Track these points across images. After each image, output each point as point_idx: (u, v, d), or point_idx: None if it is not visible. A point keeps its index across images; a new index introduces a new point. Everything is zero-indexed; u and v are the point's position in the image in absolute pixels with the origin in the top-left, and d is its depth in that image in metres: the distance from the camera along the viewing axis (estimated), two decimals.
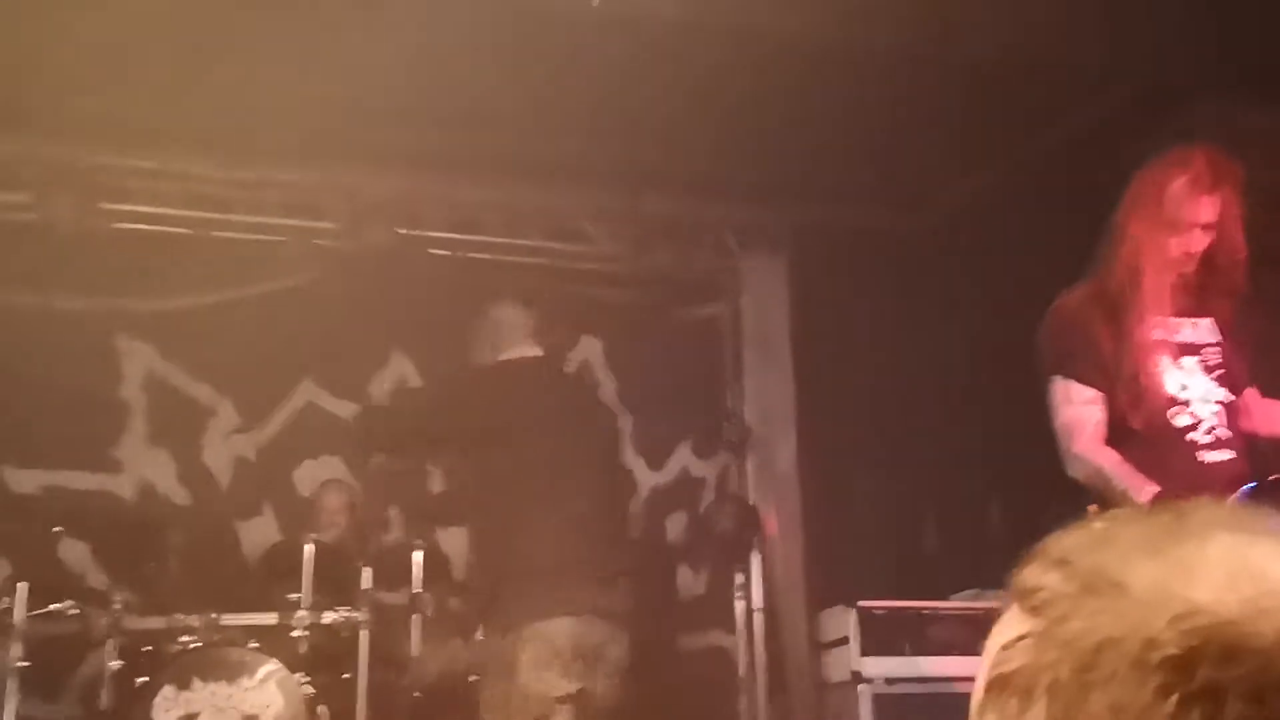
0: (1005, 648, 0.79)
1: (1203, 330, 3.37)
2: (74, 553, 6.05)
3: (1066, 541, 0.82)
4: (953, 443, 6.36)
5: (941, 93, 5.52)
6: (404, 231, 6.69)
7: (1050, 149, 5.77)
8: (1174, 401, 3.26)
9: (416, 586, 5.31)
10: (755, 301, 7.16)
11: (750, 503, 6.96)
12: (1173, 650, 0.68)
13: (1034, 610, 0.78)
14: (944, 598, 5.51)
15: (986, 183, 6.32)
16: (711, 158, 6.31)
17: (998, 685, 0.78)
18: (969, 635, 5.12)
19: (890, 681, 5.20)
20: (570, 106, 5.84)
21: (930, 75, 5.42)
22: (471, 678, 5.08)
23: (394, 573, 5.34)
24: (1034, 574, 0.81)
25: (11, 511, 5.98)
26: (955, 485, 6.40)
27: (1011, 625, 0.80)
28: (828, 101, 5.65)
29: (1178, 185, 3.17)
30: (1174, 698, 0.67)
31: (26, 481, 6.28)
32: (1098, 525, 0.83)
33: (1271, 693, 0.65)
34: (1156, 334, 3.26)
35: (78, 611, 5.10)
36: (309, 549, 5.15)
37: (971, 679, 0.83)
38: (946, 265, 6.56)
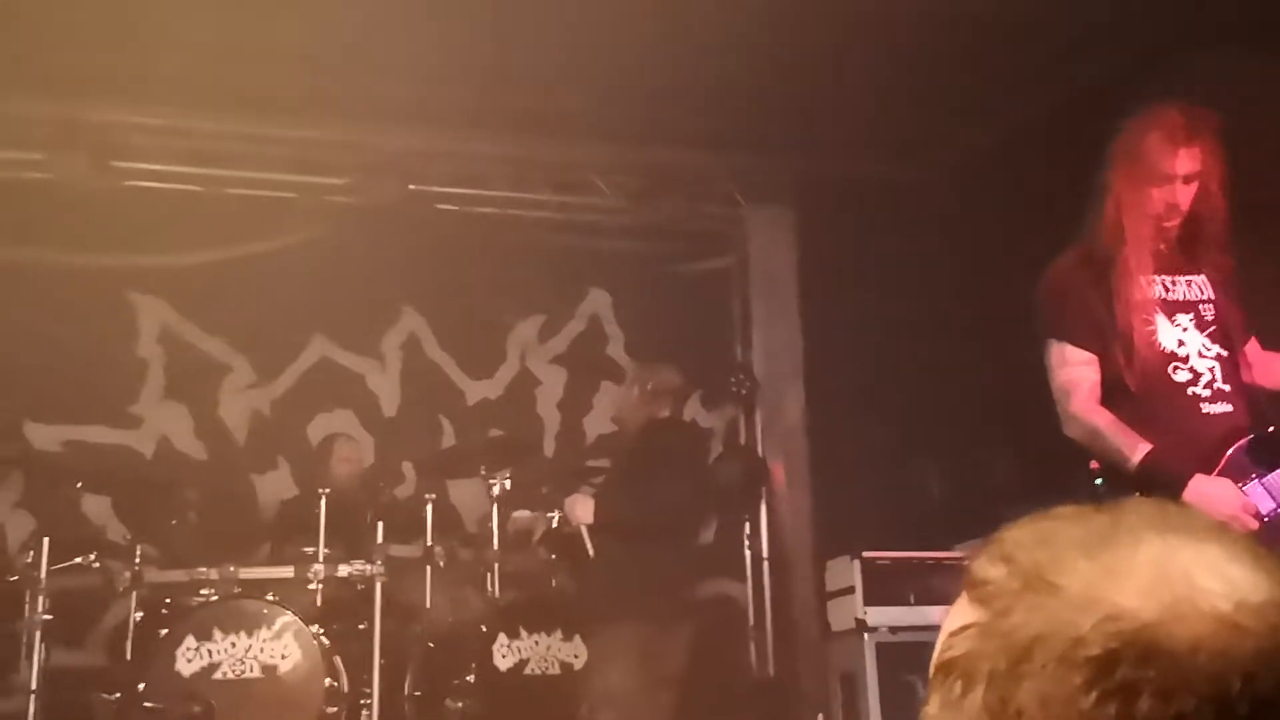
0: (953, 634, 0.86)
1: (1197, 286, 3.40)
2: (95, 507, 6.17)
3: (1014, 536, 0.88)
4: (958, 394, 6.41)
5: (946, 46, 5.51)
6: (413, 187, 6.73)
7: (1054, 103, 5.76)
8: (1171, 357, 3.30)
9: (428, 539, 5.42)
10: (762, 253, 7.19)
11: (758, 454, 7.05)
12: (1096, 650, 0.74)
13: (980, 601, 0.85)
14: (949, 548, 5.59)
15: (992, 134, 6.32)
16: (717, 110, 6.31)
17: (944, 669, 0.85)
18: None
19: (894, 630, 5.30)
20: (576, 61, 5.84)
21: (933, 28, 5.41)
22: (483, 627, 5.21)
23: (406, 526, 5.44)
24: (982, 566, 0.88)
25: (34, 467, 6.08)
26: (960, 437, 6.46)
27: (961, 613, 0.87)
28: (833, 54, 5.65)
29: (1153, 138, 3.21)
30: (1094, 693, 0.73)
31: (48, 437, 6.39)
32: (1044, 523, 0.89)
33: (1180, 693, 0.72)
34: (1149, 292, 3.29)
35: (100, 565, 5.22)
36: (324, 503, 5.24)
37: None
38: (954, 216, 6.57)
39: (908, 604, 5.32)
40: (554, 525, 5.16)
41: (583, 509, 4.83)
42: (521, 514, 5.44)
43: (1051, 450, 3.48)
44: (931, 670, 0.88)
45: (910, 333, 6.61)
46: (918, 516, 6.26)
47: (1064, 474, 3.64)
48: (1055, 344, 3.37)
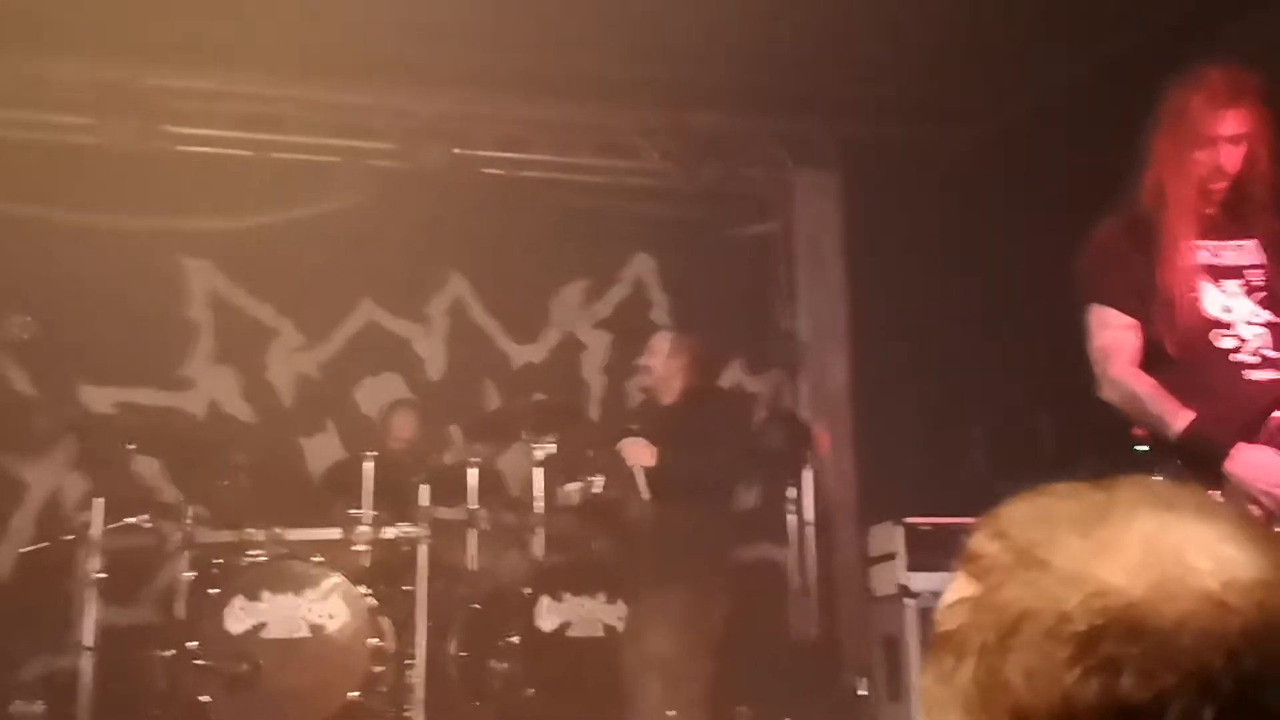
0: (949, 608, 0.87)
1: (1246, 252, 3.33)
2: (147, 468, 6.29)
3: (1011, 513, 0.89)
4: (1002, 360, 6.34)
5: (992, 6, 5.42)
6: (458, 151, 6.75)
7: (1100, 63, 5.65)
8: (1215, 324, 3.24)
9: (472, 502, 5.47)
10: (807, 218, 7.14)
11: (802, 418, 7.03)
12: (1081, 626, 0.75)
13: (975, 576, 0.86)
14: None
15: (1039, 96, 6.21)
16: (762, 74, 6.26)
17: (939, 642, 0.86)
18: None
19: (937, 595, 5.28)
20: (622, 25, 5.81)
21: None
22: (526, 590, 5.26)
23: (451, 489, 5.50)
24: (978, 541, 0.88)
25: (88, 429, 6.20)
26: (1005, 402, 6.40)
27: (958, 587, 0.88)
28: (878, 16, 5.57)
29: (1197, 100, 3.15)
30: (1078, 669, 0.74)
31: (101, 399, 6.52)
32: (1040, 500, 0.89)
33: (1161, 670, 0.72)
34: (1193, 257, 3.24)
35: (152, 525, 5.33)
36: (369, 466, 5.31)
37: None
38: (1000, 179, 6.48)
39: (951, 570, 5.29)
40: (596, 490, 5.19)
41: (642, 451, 4.84)
42: (571, 487, 5.47)
43: (1096, 416, 3.44)
44: (930, 643, 0.89)
45: (956, 297, 6.55)
46: (962, 482, 6.23)
47: (1107, 440, 3.60)
48: (1096, 308, 3.32)
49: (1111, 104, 5.18)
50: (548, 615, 5.24)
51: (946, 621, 0.85)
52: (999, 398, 6.41)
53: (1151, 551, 0.77)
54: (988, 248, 6.48)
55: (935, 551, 5.36)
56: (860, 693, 5.60)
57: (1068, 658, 0.74)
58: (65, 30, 5.84)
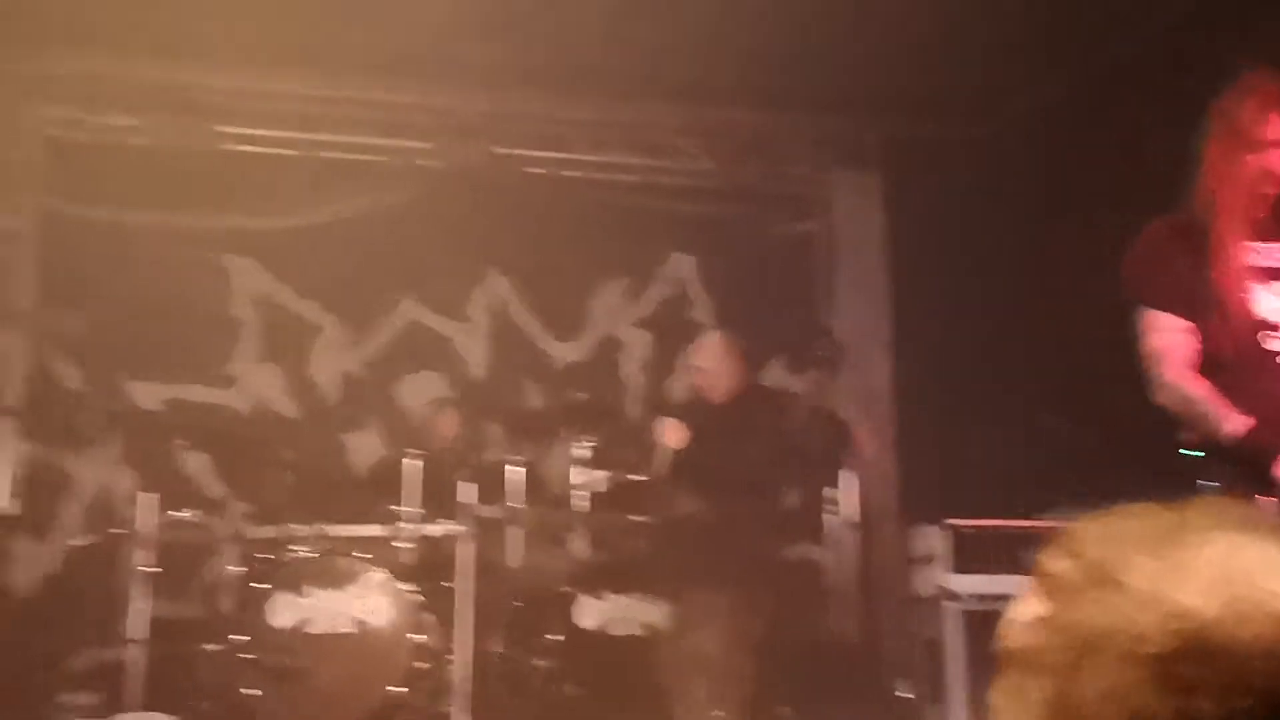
0: (1019, 625, 0.87)
1: None
2: (195, 464, 6.37)
3: (1084, 531, 0.89)
4: (1047, 361, 6.30)
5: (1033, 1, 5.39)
6: (499, 150, 6.78)
7: (1138, 54, 5.59)
8: (1264, 325, 3.22)
9: (513, 500, 5.50)
10: (848, 216, 7.12)
11: (842, 419, 7.00)
12: (1156, 648, 0.75)
13: (1047, 593, 0.86)
14: (1036, 517, 5.52)
15: (1077, 89, 6.14)
16: (803, 71, 6.24)
17: (1009, 659, 0.86)
18: None
19: (981, 598, 5.26)
20: (662, 24, 5.82)
21: None
22: (566, 588, 5.29)
23: (492, 487, 5.53)
24: (1051, 559, 0.89)
25: (138, 425, 6.28)
26: (1049, 404, 6.35)
27: (1028, 604, 0.88)
28: (920, 14, 5.55)
29: (1248, 105, 3.15)
30: (1152, 690, 0.74)
31: (150, 396, 6.61)
32: (1113, 519, 0.89)
33: (1236, 692, 0.72)
34: (1244, 260, 3.22)
35: (199, 520, 5.40)
36: (412, 464, 5.35)
37: None
38: (1042, 178, 6.43)
39: (993, 572, 5.27)
40: (628, 478, 5.22)
41: (675, 432, 4.86)
42: (601, 474, 5.50)
43: (1141, 420, 3.41)
44: (996, 658, 0.89)
45: (999, 297, 6.51)
46: (1004, 484, 6.18)
47: (1152, 444, 3.57)
48: (1147, 311, 3.31)
49: (1152, 94, 5.14)
50: (588, 613, 5.26)
51: (1017, 638, 0.86)
52: (1044, 399, 6.36)
53: (1224, 573, 0.78)
54: (1031, 247, 6.43)
55: (978, 554, 5.33)
56: (901, 695, 5.58)
57: (1142, 679, 0.75)
58: (116, 32, 5.93)
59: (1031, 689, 0.82)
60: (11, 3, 5.71)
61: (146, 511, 5.22)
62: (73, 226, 6.51)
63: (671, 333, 7.16)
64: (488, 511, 5.49)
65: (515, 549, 5.51)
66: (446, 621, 5.20)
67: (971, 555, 5.31)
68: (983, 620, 5.20)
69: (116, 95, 6.45)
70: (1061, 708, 0.79)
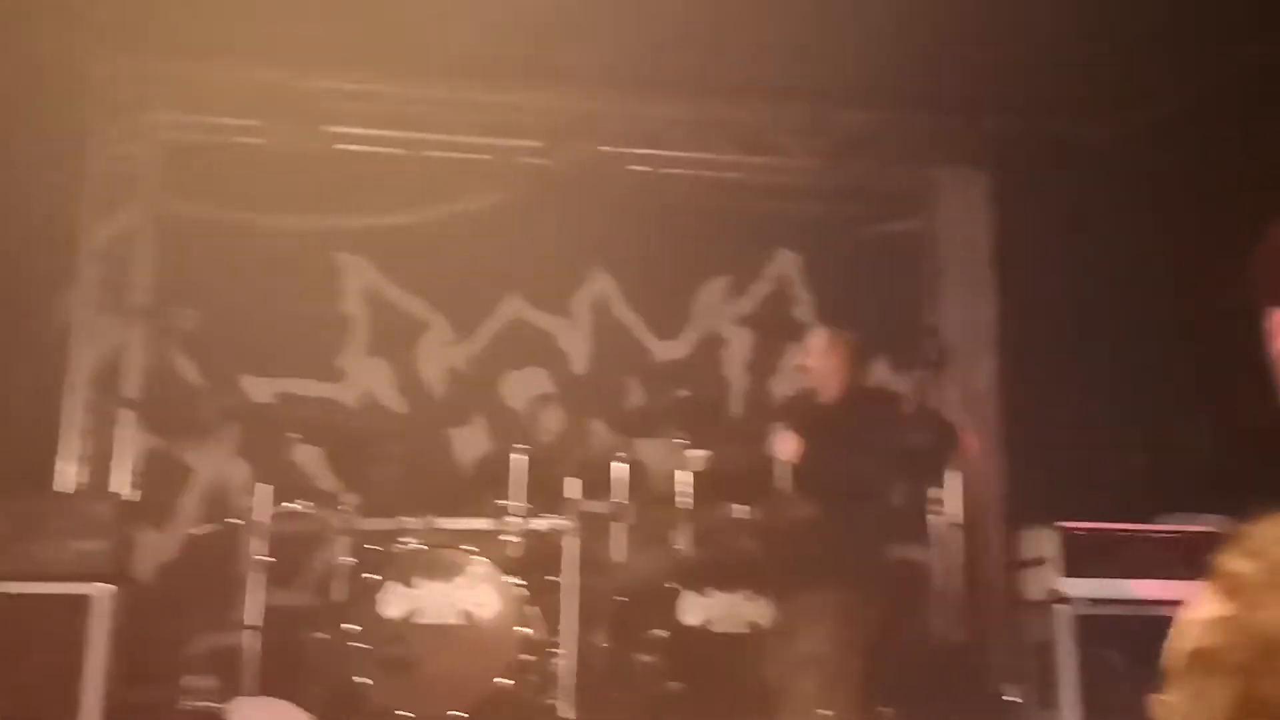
0: (1200, 625, 0.87)
1: None
2: (307, 456, 6.52)
3: (1265, 532, 0.88)
4: (1161, 363, 6.15)
5: (1142, 2, 5.27)
6: (604, 149, 6.83)
7: (1259, 57, 5.43)
8: None
9: (617, 496, 5.53)
10: (955, 216, 7.03)
11: (947, 419, 6.92)
12: None
13: (1228, 594, 0.85)
14: (1148, 521, 5.41)
15: (1195, 91, 5.99)
16: (908, 70, 6.18)
17: (1188, 659, 0.86)
18: (1174, 559, 5.03)
19: (1093, 602, 5.16)
20: (768, 25, 5.81)
21: None
22: (670, 584, 5.30)
23: (597, 482, 5.57)
24: (1232, 560, 0.88)
25: (252, 418, 6.46)
26: (1162, 406, 6.20)
27: (1207, 605, 0.88)
28: (1027, 12, 5.46)
29: None
30: None
31: (263, 390, 6.79)
32: None
33: None
34: None
35: (311, 511, 5.53)
36: (518, 459, 5.41)
37: (1176, 603, 0.91)
38: (1153, 176, 6.27)
39: (1105, 576, 5.17)
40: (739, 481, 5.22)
41: (789, 444, 4.85)
42: (705, 471, 5.50)
43: (1259, 424, 3.32)
44: (1171, 659, 0.89)
45: (1109, 297, 6.37)
46: (1116, 487, 6.06)
47: (1271, 449, 3.48)
48: (1273, 311, 3.22)
49: (1273, 97, 4.98)
50: (692, 610, 5.27)
51: (1197, 639, 0.86)
52: (1156, 401, 6.22)
53: None
54: (1141, 246, 6.29)
55: (1090, 557, 5.24)
56: (1010, 699, 5.50)
57: None
58: (229, 37, 6.10)
59: (1214, 690, 0.81)
60: (129, 11, 5.91)
61: (262, 502, 5.37)
62: (188, 226, 6.71)
63: (775, 331, 7.14)
64: (594, 507, 5.53)
65: (620, 544, 5.54)
66: (552, 615, 5.26)
67: (1083, 559, 5.22)
68: (1094, 625, 5.11)
69: (229, 99, 6.63)
70: (1246, 708, 0.78)
